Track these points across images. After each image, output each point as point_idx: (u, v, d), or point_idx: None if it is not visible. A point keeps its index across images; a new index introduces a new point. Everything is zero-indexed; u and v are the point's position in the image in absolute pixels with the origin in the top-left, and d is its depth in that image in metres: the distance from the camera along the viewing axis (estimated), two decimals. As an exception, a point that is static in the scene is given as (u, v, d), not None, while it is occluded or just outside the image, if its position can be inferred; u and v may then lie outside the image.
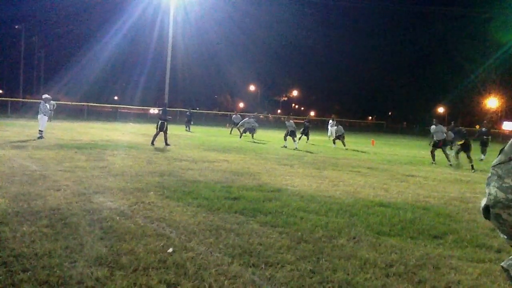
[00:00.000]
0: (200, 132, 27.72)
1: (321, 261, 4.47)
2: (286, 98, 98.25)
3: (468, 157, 15.08)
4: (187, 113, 32.16)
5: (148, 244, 4.69)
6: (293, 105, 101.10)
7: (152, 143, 16.63)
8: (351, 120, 68.18)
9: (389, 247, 5.12)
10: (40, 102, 17.87)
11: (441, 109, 77.38)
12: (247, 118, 25.47)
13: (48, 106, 17.52)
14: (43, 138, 16.44)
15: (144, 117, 33.20)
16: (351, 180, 10.57)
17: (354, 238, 5.40)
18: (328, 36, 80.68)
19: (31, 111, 32.63)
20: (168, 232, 5.18)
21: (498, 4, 52.04)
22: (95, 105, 49.08)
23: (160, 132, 16.89)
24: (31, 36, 62.38)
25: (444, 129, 16.66)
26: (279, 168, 12.31)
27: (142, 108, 49.30)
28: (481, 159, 18.52)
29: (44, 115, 17.14)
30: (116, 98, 73.10)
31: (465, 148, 15.36)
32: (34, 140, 15.82)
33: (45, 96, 18.07)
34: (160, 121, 17.05)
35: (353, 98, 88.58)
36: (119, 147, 15.57)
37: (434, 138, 16.58)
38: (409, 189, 9.75)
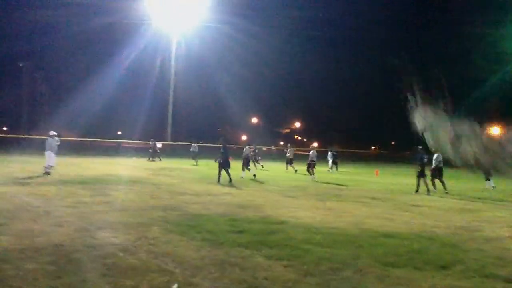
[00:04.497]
0: (203, 165, 27.68)
1: (327, 295, 4.41)
2: (288, 130, 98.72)
3: (441, 181, 15.91)
4: (193, 146, 32.61)
5: (152, 280, 4.65)
6: (296, 136, 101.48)
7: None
8: (355, 151, 68.24)
9: (395, 278, 5.05)
10: (47, 139, 17.94)
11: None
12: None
13: (54, 143, 17.59)
14: (49, 174, 16.45)
15: (146, 151, 33.40)
16: (356, 211, 10.50)
17: (360, 270, 5.33)
18: (329, 68, 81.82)
19: (33, 147, 32.82)
20: (172, 268, 5.14)
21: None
22: (97, 140, 49.35)
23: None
24: (33, 72, 63.48)
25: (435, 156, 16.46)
26: (283, 199, 12.27)
27: (144, 143, 49.49)
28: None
29: (51, 151, 17.20)
30: (119, 133, 73.49)
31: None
32: (38, 176, 15.84)
33: (52, 133, 18.14)
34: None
35: (356, 129, 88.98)
36: (122, 181, 15.57)
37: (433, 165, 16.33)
38: (414, 219, 9.67)
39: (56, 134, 18.24)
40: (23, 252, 5.53)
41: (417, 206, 12.09)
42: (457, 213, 10.96)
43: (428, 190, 15.35)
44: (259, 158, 27.80)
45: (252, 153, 21.36)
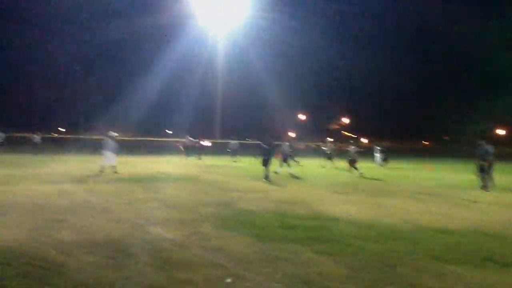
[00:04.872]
0: (245, 162, 27.84)
1: (382, 291, 4.31)
2: (338, 126, 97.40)
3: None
4: (232, 143, 33.16)
5: (206, 273, 4.72)
6: (343, 132, 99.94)
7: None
8: (405, 146, 66.46)
9: (454, 276, 4.86)
10: (106, 140, 18.46)
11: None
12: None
13: (114, 143, 18.06)
14: (117, 172, 17.12)
15: (196, 149, 34.20)
16: (409, 207, 10.21)
17: (416, 267, 5.17)
18: (377, 62, 79.80)
19: (89, 146, 34.18)
20: (225, 262, 5.20)
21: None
22: (149, 139, 50.74)
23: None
24: (87, 75, 66.27)
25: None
26: (332, 196, 12.12)
27: (194, 141, 50.52)
28: None
29: (110, 151, 17.74)
30: (169, 132, 75.23)
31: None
32: (95, 175, 16.49)
33: (111, 133, 18.62)
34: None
35: (406, 123, 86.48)
36: (174, 179, 15.93)
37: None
38: (472, 216, 9.28)
39: (115, 134, 18.68)
40: (83, 246, 5.78)
41: (475, 202, 11.59)
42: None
43: (485, 186, 14.63)
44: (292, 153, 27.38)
45: (289, 149, 20.95)
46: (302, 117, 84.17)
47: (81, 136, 49.37)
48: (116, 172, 17.02)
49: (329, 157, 25.80)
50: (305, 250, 5.85)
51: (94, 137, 42.78)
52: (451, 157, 44.35)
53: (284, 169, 19.00)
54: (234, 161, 29.55)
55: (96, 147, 18.83)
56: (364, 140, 78.71)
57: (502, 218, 9.05)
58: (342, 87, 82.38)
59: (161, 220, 7.79)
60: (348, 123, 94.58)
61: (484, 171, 14.78)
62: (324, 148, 28.04)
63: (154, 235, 6.61)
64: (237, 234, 6.75)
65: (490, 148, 14.85)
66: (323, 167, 25.16)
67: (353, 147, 21.76)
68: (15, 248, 5.57)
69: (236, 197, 11.31)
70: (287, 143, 20.27)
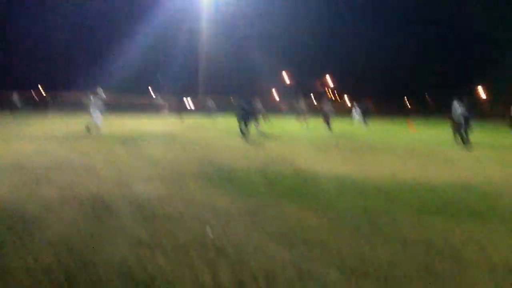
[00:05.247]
0: (230, 121, 27.82)
1: (360, 241, 4.42)
2: (320, 84, 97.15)
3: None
4: (208, 101, 32.97)
5: (187, 227, 4.77)
6: (326, 91, 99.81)
7: None
8: (388, 103, 66.91)
9: (430, 226, 5.00)
10: (91, 97, 18.16)
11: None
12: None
13: (100, 102, 17.79)
14: (90, 131, 16.90)
15: (179, 109, 34.02)
16: (391, 164, 10.37)
17: (394, 218, 5.30)
18: (360, 19, 78.90)
19: (70, 105, 33.63)
20: (207, 217, 5.25)
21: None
22: (131, 98, 49.95)
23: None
24: (68, 32, 64.15)
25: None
26: (317, 153, 12.24)
27: (177, 100, 50.14)
28: None
29: (97, 109, 17.49)
30: (151, 90, 74.19)
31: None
32: (78, 133, 16.31)
33: (98, 91, 18.31)
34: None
35: (389, 81, 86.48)
36: (157, 137, 15.87)
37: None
38: (451, 170, 9.48)
39: (100, 92, 18.32)
40: (65, 202, 5.77)
41: (452, 157, 11.82)
42: (498, 165, 10.67)
43: (464, 142, 14.89)
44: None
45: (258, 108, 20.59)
46: (287, 77, 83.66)
47: (62, 95, 48.40)
48: (100, 132, 16.86)
49: (300, 115, 26.21)
50: (286, 205, 5.93)
51: (77, 96, 42.05)
52: (434, 115, 44.90)
53: (265, 128, 19.10)
54: (213, 120, 29.63)
55: (78, 107, 18.52)
56: (347, 100, 78.85)
57: (484, 174, 9.25)
58: (326, 46, 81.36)
59: (144, 177, 7.79)
60: (332, 83, 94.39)
61: (459, 129, 15.06)
62: (299, 106, 28.43)
63: (137, 191, 6.61)
64: (220, 190, 6.80)
65: (462, 107, 15.06)
66: (302, 125, 25.38)
67: (327, 105, 22.08)
68: (-5, 205, 5.54)
69: (218, 154, 11.34)
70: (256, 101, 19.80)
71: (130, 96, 49.88)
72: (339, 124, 28.60)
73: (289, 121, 29.05)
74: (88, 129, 16.94)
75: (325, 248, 4.20)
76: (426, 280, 3.52)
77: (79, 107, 21.93)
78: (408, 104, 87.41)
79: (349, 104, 31.19)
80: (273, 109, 47.14)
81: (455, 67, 74.33)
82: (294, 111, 28.89)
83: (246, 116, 16.39)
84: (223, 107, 35.33)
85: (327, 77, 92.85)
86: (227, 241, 4.32)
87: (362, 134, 20.61)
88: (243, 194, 6.49)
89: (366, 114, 28.79)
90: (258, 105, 19.67)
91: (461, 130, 15.00)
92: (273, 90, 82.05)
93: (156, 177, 7.80)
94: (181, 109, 33.18)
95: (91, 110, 17.50)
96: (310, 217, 5.30)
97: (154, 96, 34.17)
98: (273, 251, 4.08)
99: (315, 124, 24.56)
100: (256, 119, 19.15)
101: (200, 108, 38.26)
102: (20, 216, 5.00)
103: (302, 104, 28.40)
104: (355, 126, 27.06)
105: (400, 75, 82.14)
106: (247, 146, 13.63)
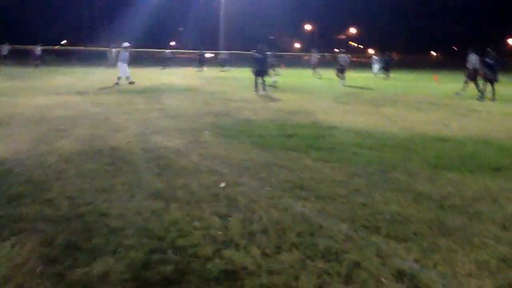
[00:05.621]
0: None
1: (373, 195, 4.40)
2: (344, 37, 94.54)
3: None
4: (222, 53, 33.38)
5: (202, 179, 4.82)
6: (350, 42, 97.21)
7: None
8: (413, 56, 64.98)
9: (445, 180, 4.94)
10: (119, 51, 18.32)
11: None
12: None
13: (127, 54, 17.90)
14: (133, 82, 17.28)
15: (199, 62, 33.87)
16: (411, 116, 10.19)
17: (409, 172, 5.25)
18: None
19: (92, 59, 33.73)
20: (221, 168, 5.29)
21: None
22: (151, 51, 49.68)
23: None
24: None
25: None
26: (335, 106, 12.08)
27: (197, 53, 49.95)
28: None
29: (124, 62, 17.61)
30: (173, 43, 73.55)
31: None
32: (98, 86, 16.44)
33: (125, 44, 18.36)
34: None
35: (414, 34, 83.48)
36: (176, 90, 15.86)
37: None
38: (471, 124, 9.27)
39: (129, 45, 18.41)
40: (83, 154, 5.88)
41: (476, 111, 11.53)
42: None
43: (481, 96, 14.49)
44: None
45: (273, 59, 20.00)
46: (308, 27, 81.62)
47: (84, 48, 48.47)
48: (131, 83, 17.08)
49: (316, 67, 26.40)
50: (302, 157, 5.92)
51: (98, 48, 42.05)
52: (460, 68, 43.48)
53: (283, 80, 18.87)
54: (222, 71, 30.14)
55: (99, 59, 18.68)
56: (371, 51, 76.73)
57: (501, 126, 9.03)
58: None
59: (162, 129, 7.86)
60: (356, 34, 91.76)
61: (472, 79, 15.30)
62: (312, 59, 28.33)
63: (154, 143, 6.69)
64: (236, 142, 6.82)
65: (477, 58, 15.35)
66: (319, 77, 25.00)
67: (343, 55, 21.48)
68: (16, 156, 5.68)
69: (236, 107, 11.32)
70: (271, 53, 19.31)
71: (150, 51, 49.75)
72: (359, 77, 28.05)
73: (308, 73, 28.58)
74: (117, 82, 17.05)
75: (338, 201, 4.20)
76: (437, 234, 3.50)
77: (103, 61, 22.06)
78: (438, 56, 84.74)
79: (373, 57, 30.39)
80: (292, 61, 46.46)
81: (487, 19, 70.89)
82: (311, 63, 28.91)
83: (261, 69, 15.96)
84: (241, 61, 35.04)
85: (351, 29, 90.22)
86: (240, 194, 4.36)
87: (384, 86, 20.18)
88: (259, 147, 6.49)
89: (389, 66, 28.06)
90: (274, 58, 19.38)
91: (476, 81, 15.12)
92: (294, 43, 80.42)
93: (173, 129, 7.85)
94: (202, 62, 33.08)
95: (119, 63, 17.63)
96: (325, 170, 5.29)
97: (167, 51, 34.30)
98: (285, 204, 4.11)
99: (334, 77, 24.08)
100: (273, 71, 18.87)
101: (219, 62, 37.94)
102: (37, 172, 5.12)
103: (315, 56, 28.13)
104: (376, 78, 26.45)
105: (427, 28, 79.22)
106: (264, 99, 13.53)
